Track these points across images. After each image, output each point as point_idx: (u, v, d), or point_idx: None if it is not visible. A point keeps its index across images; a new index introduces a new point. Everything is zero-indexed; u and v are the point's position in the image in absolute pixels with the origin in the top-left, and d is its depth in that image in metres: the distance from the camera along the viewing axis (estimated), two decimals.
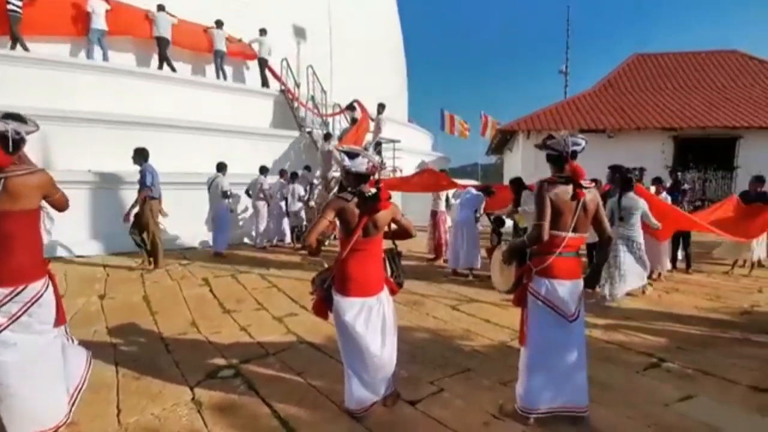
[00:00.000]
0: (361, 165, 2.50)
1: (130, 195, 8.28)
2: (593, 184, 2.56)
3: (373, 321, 2.50)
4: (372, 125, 11.48)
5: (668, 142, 15.10)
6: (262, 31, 11.68)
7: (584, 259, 6.53)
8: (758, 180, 6.97)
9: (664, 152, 14.98)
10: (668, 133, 15.02)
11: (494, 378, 3.15)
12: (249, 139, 10.66)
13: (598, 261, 2.69)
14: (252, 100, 11.72)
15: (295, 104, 11.99)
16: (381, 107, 11.60)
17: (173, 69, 10.35)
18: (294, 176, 9.46)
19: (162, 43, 10.15)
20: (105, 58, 9.59)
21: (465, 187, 7.00)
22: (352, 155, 2.52)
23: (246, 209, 9.72)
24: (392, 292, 2.70)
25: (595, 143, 15.27)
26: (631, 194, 5.35)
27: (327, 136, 10.30)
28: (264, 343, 3.80)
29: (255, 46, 11.91)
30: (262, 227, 9.17)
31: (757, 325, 4.46)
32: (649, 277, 6.78)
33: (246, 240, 9.54)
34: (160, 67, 10.24)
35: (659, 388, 3.08)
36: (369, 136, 11.25)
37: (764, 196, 6.74)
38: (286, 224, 9.27)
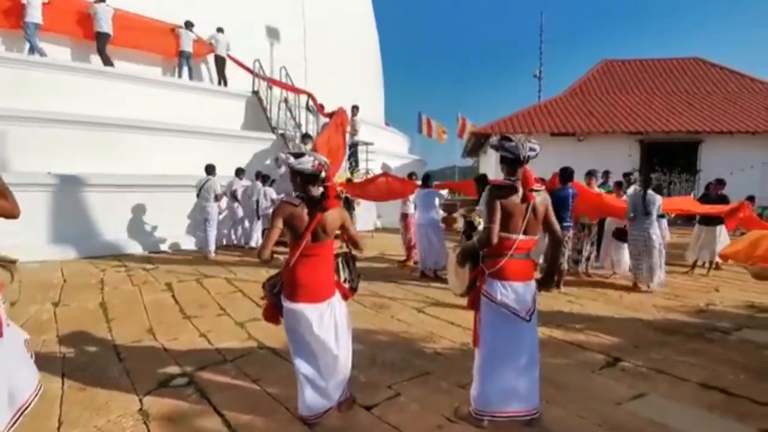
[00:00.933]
0: (306, 163, 2.46)
1: (92, 198, 8.06)
2: (542, 185, 2.58)
3: (325, 327, 2.46)
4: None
5: (635, 146, 15.56)
6: (219, 29, 11.47)
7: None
8: (719, 183, 7.23)
9: (631, 155, 15.42)
10: (635, 136, 15.48)
11: (452, 380, 3.15)
12: (220, 141, 10.46)
13: (550, 262, 2.72)
14: (223, 101, 11.52)
15: (267, 106, 11.83)
16: (355, 109, 11.60)
17: (111, 65, 9.78)
18: (265, 178, 9.33)
19: (101, 38, 9.59)
20: (35, 51, 9.01)
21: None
22: (297, 155, 2.49)
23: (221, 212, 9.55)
24: (344, 297, 2.66)
25: (565, 146, 15.66)
26: (651, 191, 5.88)
27: (305, 137, 10.27)
28: (222, 349, 3.71)
29: (212, 43, 11.63)
30: (235, 229, 9.03)
31: (710, 322, 4.61)
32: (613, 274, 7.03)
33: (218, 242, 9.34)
34: (105, 63, 9.71)
35: (613, 387, 3.14)
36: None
37: (724, 198, 7.01)
38: (259, 226, 9.13)
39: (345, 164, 10.83)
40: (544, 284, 2.75)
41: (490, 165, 18.48)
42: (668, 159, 15.40)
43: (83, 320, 4.38)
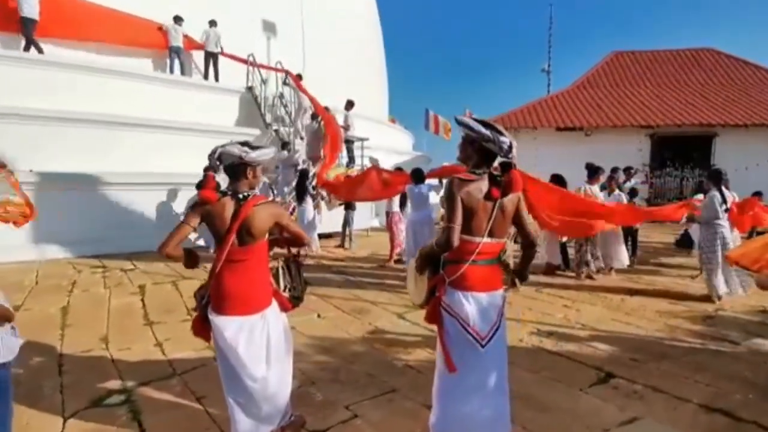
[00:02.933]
0: (265, 156, 2.16)
1: (76, 196, 7.84)
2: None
3: (255, 343, 2.13)
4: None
5: (645, 140, 15.00)
6: (212, 23, 11.15)
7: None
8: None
9: (641, 150, 14.87)
10: (645, 131, 14.92)
11: (419, 400, 2.80)
12: (211, 138, 10.18)
13: (521, 262, 2.35)
14: (216, 98, 11.25)
15: (261, 102, 11.55)
16: (349, 104, 11.26)
17: (40, 51, 9.09)
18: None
19: (27, 24, 8.90)
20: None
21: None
22: (255, 147, 2.17)
23: None
24: (284, 309, 2.32)
25: (572, 141, 15.15)
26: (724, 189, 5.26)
27: (313, 116, 10.31)
28: (175, 360, 3.41)
29: (202, 37, 11.28)
30: None
31: (717, 331, 4.19)
32: (610, 270, 6.58)
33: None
34: (27, 49, 8.97)
35: (602, 410, 2.77)
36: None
37: None
38: None
39: (340, 160, 10.49)
40: (517, 276, 2.39)
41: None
42: (681, 154, 14.79)
43: (38, 326, 4.12)
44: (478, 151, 2.13)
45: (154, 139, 9.17)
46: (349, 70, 15.09)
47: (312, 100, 10.83)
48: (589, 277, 6.29)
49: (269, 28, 13.54)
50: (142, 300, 5.04)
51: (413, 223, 6.32)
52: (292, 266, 2.44)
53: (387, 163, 13.47)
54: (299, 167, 9.34)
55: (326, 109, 10.33)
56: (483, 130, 2.05)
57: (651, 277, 6.43)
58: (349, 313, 4.69)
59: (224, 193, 2.14)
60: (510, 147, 2.08)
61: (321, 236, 9.06)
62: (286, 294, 2.36)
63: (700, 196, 7.25)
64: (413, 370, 3.29)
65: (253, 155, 2.12)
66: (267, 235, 2.23)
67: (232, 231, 2.07)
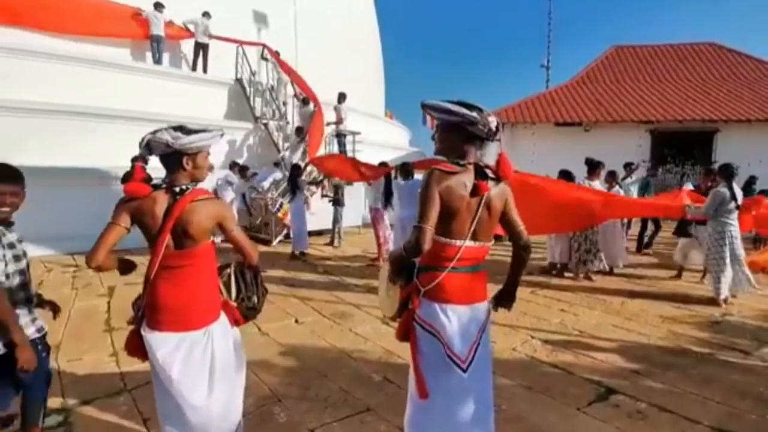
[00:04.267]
0: (202, 140, 1.81)
1: (54, 192, 7.47)
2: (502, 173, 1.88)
3: (195, 365, 1.80)
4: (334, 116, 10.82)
5: (645, 136, 14.66)
6: (205, 14, 10.74)
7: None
8: (709, 174, 6.39)
9: (641, 146, 14.53)
10: (645, 126, 14.58)
11: (396, 421, 2.47)
12: None
13: (510, 276, 2.03)
14: (203, 90, 10.87)
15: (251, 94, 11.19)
16: (341, 97, 10.92)
17: None
18: (243, 170, 8.73)
19: None
20: None
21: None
22: (190, 130, 1.81)
23: None
24: (234, 323, 1.98)
25: (571, 137, 14.81)
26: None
27: (305, 101, 10.13)
28: (128, 373, 3.07)
29: (191, 27, 10.85)
30: None
31: (725, 338, 3.88)
32: (611, 271, 6.26)
33: None
34: None
35: None
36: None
37: None
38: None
39: (324, 152, 10.16)
40: (501, 303, 2.07)
41: (491, 155, 17.67)
42: (681, 150, 14.44)
43: None
44: (463, 137, 1.79)
45: (134, 132, 8.77)
46: (343, 63, 14.69)
47: (297, 80, 10.50)
48: (588, 278, 5.97)
49: (260, 19, 13.13)
50: (108, 303, 4.69)
51: (402, 221, 6.00)
52: (247, 272, 2.10)
53: (381, 158, 13.15)
54: (291, 161, 9.04)
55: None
56: (466, 111, 1.72)
57: (653, 277, 6.10)
58: (330, 317, 4.36)
59: (157, 187, 1.80)
60: (497, 128, 1.75)
61: (310, 233, 8.73)
62: (238, 305, 2.03)
63: (689, 185, 6.94)
64: (392, 386, 2.96)
65: (185, 141, 1.77)
66: (214, 237, 1.90)
67: (164, 231, 1.73)
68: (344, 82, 12.42)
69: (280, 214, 8.29)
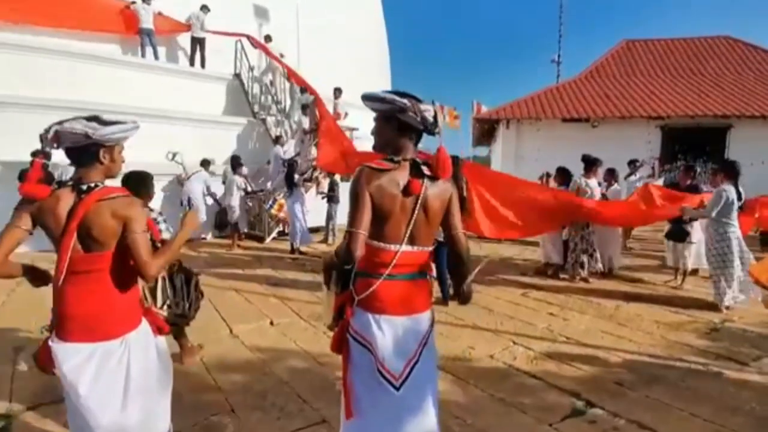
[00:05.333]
0: (123, 131, 1.66)
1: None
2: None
3: (109, 375, 1.64)
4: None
5: (655, 132, 14.23)
6: (204, 8, 10.61)
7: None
8: (689, 171, 6.06)
9: (651, 142, 14.11)
10: (655, 122, 14.14)
11: None
12: (195, 127, 9.75)
13: (457, 281, 1.82)
14: (201, 85, 10.77)
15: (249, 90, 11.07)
16: (337, 92, 10.76)
17: None
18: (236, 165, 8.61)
19: None
20: None
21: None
22: (107, 121, 1.66)
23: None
24: (158, 331, 1.83)
25: (578, 133, 14.43)
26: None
27: (302, 90, 10.16)
28: None
29: (191, 21, 10.71)
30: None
31: (723, 347, 3.63)
32: (611, 272, 6.01)
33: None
34: None
35: None
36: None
37: (696, 188, 5.84)
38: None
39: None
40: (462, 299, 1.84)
41: (497, 154, 17.34)
42: (693, 146, 13.98)
43: None
44: (396, 129, 1.61)
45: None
46: (347, 58, 14.46)
47: (287, 69, 10.53)
48: (584, 279, 5.73)
49: (261, 13, 12.99)
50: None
51: None
52: (177, 277, 1.94)
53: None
54: (288, 158, 8.90)
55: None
56: (397, 98, 1.55)
57: (652, 280, 5.83)
58: (306, 319, 4.20)
59: (62, 184, 1.65)
60: (435, 119, 1.56)
61: None
62: (165, 312, 1.87)
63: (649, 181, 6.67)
64: None
65: (105, 132, 1.62)
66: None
67: (68, 233, 1.58)
68: (347, 76, 12.22)
69: (273, 210, 8.15)
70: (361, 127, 11.70)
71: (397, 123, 1.58)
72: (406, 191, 1.57)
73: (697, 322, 4.27)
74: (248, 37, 11.02)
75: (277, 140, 9.87)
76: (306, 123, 10.17)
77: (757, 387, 2.96)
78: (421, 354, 1.64)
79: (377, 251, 1.61)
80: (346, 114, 10.91)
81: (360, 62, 15.46)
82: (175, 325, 1.92)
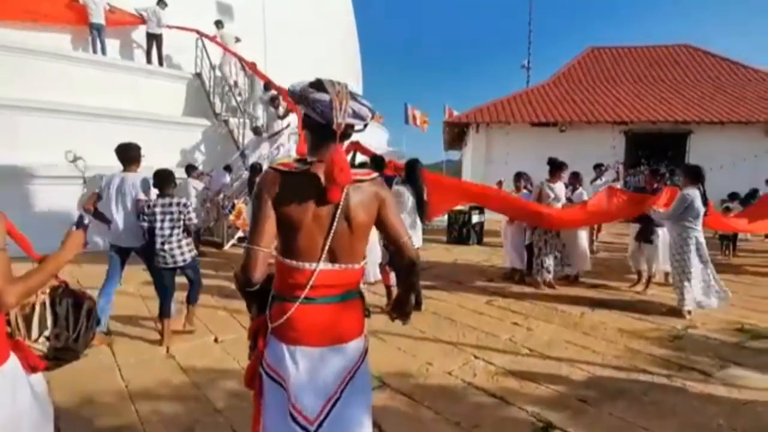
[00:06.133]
0: None
1: None
2: (369, 173, 1.45)
3: None
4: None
5: (619, 137, 14.49)
6: (161, 3, 10.12)
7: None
8: (655, 174, 6.08)
9: (615, 147, 14.34)
10: (619, 127, 14.41)
11: None
12: (153, 128, 9.23)
13: (404, 289, 1.58)
14: (159, 84, 10.25)
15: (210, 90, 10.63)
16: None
17: None
18: (190, 169, 8.18)
19: None
20: None
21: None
22: None
23: None
24: (31, 369, 1.50)
25: (547, 137, 14.55)
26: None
27: (266, 87, 9.99)
28: None
29: (144, 15, 10.20)
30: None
31: (685, 356, 3.52)
32: (577, 278, 5.92)
33: None
34: None
35: None
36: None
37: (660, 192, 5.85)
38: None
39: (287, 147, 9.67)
40: (395, 315, 1.61)
41: (468, 158, 17.34)
42: (655, 151, 14.31)
43: None
44: (311, 126, 1.36)
45: (79, 128, 8.16)
46: (316, 57, 14.13)
47: (246, 64, 10.30)
48: (550, 285, 5.61)
49: (224, 10, 12.52)
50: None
51: None
52: (63, 302, 1.62)
53: (358, 158, 12.66)
54: (250, 161, 8.54)
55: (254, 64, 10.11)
56: (297, 87, 1.30)
57: (617, 286, 5.76)
58: None
59: None
60: (330, 106, 1.29)
61: None
62: (41, 346, 1.55)
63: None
64: None
65: None
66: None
67: None
68: (315, 71, 11.88)
69: (231, 217, 7.76)
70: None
71: (309, 119, 1.33)
72: (322, 199, 1.32)
73: (659, 330, 4.17)
74: (197, 31, 10.55)
75: (256, 131, 9.82)
76: (265, 118, 9.93)
77: (723, 401, 2.83)
78: (343, 391, 1.38)
79: (290, 271, 1.36)
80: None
81: (329, 60, 15.15)
82: (58, 360, 1.60)
